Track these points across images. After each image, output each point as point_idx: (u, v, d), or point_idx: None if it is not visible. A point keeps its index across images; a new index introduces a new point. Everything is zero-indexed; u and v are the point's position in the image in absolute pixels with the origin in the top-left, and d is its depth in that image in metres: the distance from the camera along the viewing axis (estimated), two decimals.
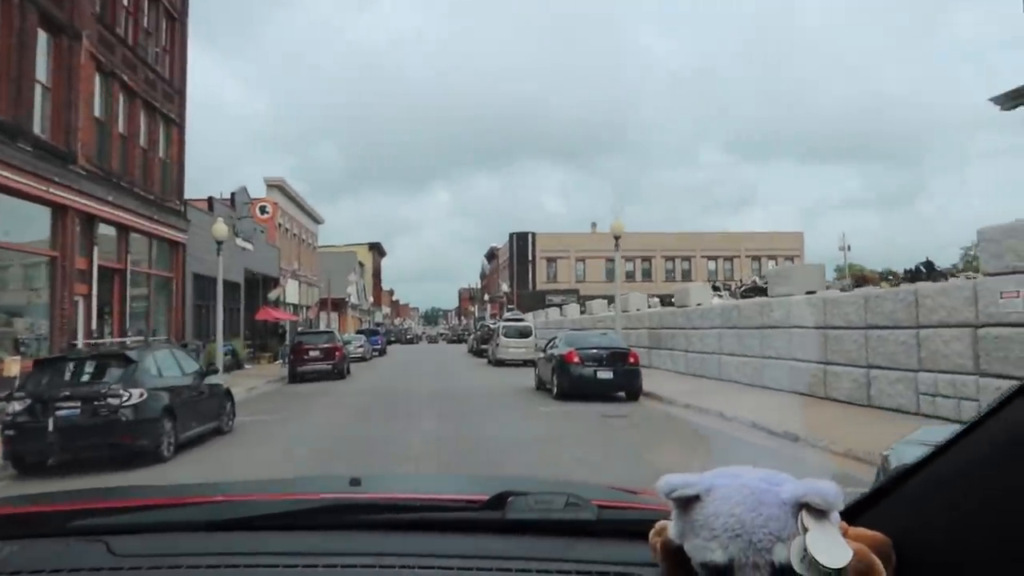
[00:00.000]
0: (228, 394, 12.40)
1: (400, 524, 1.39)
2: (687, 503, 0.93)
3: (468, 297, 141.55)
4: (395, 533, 1.36)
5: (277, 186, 42.72)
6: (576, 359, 16.32)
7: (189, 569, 1.20)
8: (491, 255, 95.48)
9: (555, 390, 16.80)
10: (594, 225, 78.82)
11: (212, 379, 12.09)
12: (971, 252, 59.52)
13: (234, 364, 28.32)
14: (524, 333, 31.28)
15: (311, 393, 20.54)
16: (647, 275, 75.52)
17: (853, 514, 0.94)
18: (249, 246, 33.38)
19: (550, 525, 1.36)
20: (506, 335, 31.12)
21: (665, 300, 37.63)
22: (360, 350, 38.31)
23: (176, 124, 25.22)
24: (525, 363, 30.31)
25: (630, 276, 75.06)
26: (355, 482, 1.73)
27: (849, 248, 68.94)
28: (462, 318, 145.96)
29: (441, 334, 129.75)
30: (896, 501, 0.92)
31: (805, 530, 0.85)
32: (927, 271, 17.40)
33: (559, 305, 60.05)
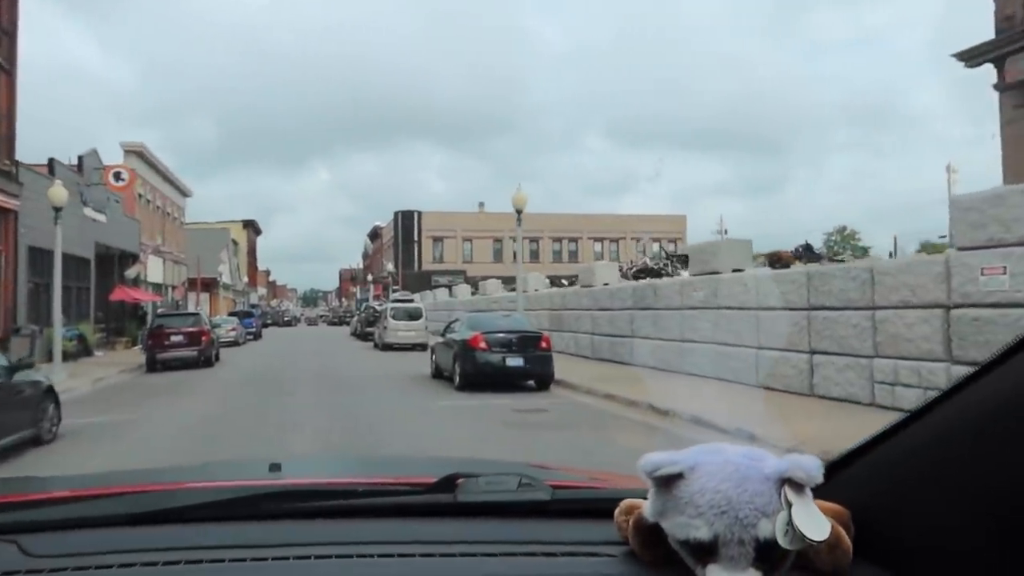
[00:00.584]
0: (50, 393, 9.73)
1: (347, 511, 1.31)
2: (668, 481, 0.90)
3: (350, 278, 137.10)
4: (341, 520, 1.28)
5: (136, 152, 38.37)
6: (482, 344, 14.42)
7: (120, 568, 1.10)
8: (374, 234, 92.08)
9: (457, 379, 14.86)
10: (481, 205, 77.21)
11: (27, 375, 9.41)
12: (833, 237, 62.39)
13: (82, 351, 24.73)
14: (414, 315, 29.13)
15: (170, 384, 17.70)
16: (535, 256, 74.52)
17: (830, 474, 0.94)
18: (101, 217, 29.46)
19: (504, 507, 1.31)
20: (395, 317, 28.87)
21: (555, 281, 36.68)
22: (232, 334, 35.00)
23: (4, 70, 21.38)
24: (414, 347, 28.26)
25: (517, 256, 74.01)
26: (275, 467, 1.66)
27: (726, 232, 70.65)
28: (343, 300, 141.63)
29: (321, 316, 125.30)
30: (853, 475, 0.94)
31: (788, 505, 0.86)
32: (806, 253, 16.95)
33: (446, 286, 58.16)
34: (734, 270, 14.37)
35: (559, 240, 75.07)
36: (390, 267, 57.30)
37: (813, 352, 11.47)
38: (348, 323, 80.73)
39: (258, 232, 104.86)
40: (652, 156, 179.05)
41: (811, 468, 0.87)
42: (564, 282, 34.53)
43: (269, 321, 74.86)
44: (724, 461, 0.90)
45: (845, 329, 10.69)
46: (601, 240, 76.23)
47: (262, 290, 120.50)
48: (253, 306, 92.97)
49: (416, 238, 71.50)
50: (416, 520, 1.29)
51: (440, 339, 17.32)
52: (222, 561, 1.11)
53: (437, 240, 72.52)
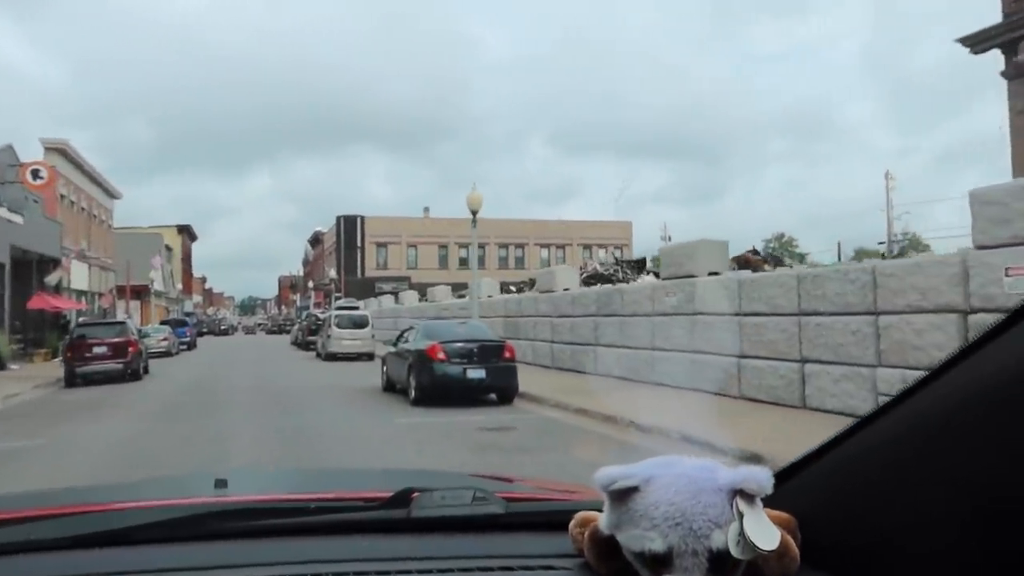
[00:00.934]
0: None
1: (298, 528, 1.28)
2: (623, 494, 0.92)
3: (289, 285, 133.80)
4: (291, 538, 1.26)
5: (59, 150, 35.92)
6: (440, 355, 13.21)
7: None
8: (315, 240, 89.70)
9: (413, 393, 13.62)
10: (426, 210, 75.81)
11: None
12: (771, 244, 63.01)
13: None
14: (360, 323, 27.68)
15: (92, 401, 15.98)
16: (481, 262, 73.22)
17: (778, 483, 0.95)
18: (17, 218, 27.23)
19: (459, 522, 1.30)
20: (339, 326, 27.37)
21: (504, 287, 35.69)
22: (164, 344, 32.92)
23: None
24: (360, 356, 26.85)
25: (464, 263, 72.75)
26: (221, 483, 1.61)
27: (670, 238, 70.91)
28: (282, 307, 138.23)
29: (259, 324, 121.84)
30: (801, 483, 0.95)
31: (740, 515, 0.87)
32: (771, 258, 16.86)
33: (391, 293, 56.63)
34: (710, 273, 13.53)
35: (505, 246, 74.17)
36: (332, 273, 55.39)
37: (805, 361, 10.66)
38: (288, 331, 78.24)
39: (193, 238, 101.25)
40: (594, 163, 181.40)
41: (762, 479, 0.88)
42: (513, 288, 33.71)
43: (205, 330, 71.97)
44: (678, 474, 0.91)
45: (843, 336, 9.91)
46: (548, 246, 75.60)
47: (197, 298, 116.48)
48: (188, 314, 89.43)
49: (359, 244, 69.65)
50: (370, 536, 1.27)
51: (392, 349, 16.05)
52: None
53: (381, 246, 70.80)
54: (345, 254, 68.60)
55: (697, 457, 0.97)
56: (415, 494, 1.31)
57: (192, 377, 22.09)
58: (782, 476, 0.99)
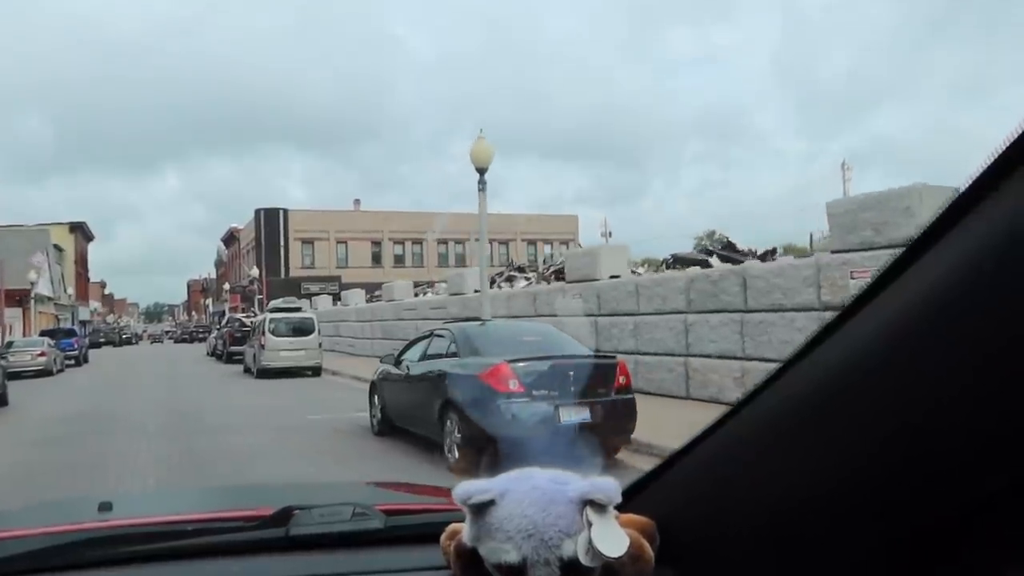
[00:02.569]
0: None
1: (176, 552, 1.26)
2: (481, 508, 0.95)
3: (200, 289, 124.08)
4: (169, 562, 1.24)
5: None
6: (513, 383, 7.31)
7: None
8: (230, 238, 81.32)
9: (454, 450, 7.70)
10: (357, 202, 69.01)
11: None
12: (703, 242, 59.76)
13: None
14: (303, 329, 21.40)
15: None
16: (418, 260, 67.27)
17: (625, 501, 0.97)
18: None
19: (338, 538, 1.30)
20: (276, 333, 21.01)
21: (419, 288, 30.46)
22: (40, 360, 25.71)
23: None
24: (302, 371, 20.63)
25: (399, 260, 66.44)
26: (105, 506, 1.55)
27: (611, 234, 66.46)
28: (193, 313, 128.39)
29: (167, 332, 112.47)
30: (662, 485, 0.97)
31: (589, 524, 0.90)
32: (674, 262, 16.86)
33: (326, 294, 49.91)
34: (611, 276, 14.00)
35: (445, 242, 68.07)
36: (255, 272, 48.17)
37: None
38: (201, 339, 69.89)
39: (89, 237, 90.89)
40: (518, 164, 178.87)
41: (609, 489, 0.91)
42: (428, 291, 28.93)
43: (102, 340, 63.31)
44: (532, 487, 0.93)
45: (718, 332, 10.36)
46: (491, 241, 69.81)
47: (96, 304, 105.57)
48: (83, 323, 79.78)
49: (282, 240, 62.28)
50: (248, 558, 1.25)
51: (393, 371, 9.97)
52: None
53: (307, 243, 63.63)
54: (266, 252, 61.05)
55: (551, 470, 0.98)
56: (295, 512, 1.29)
57: (72, 407, 15.33)
58: (647, 478, 0.99)
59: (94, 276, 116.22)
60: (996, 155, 0.52)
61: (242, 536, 1.29)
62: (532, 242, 70.61)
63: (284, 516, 1.29)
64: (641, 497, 1.01)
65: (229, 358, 28.82)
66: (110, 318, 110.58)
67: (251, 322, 29.72)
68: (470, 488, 0.95)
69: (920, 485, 0.61)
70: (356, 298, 30.23)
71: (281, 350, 20.76)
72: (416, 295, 36.57)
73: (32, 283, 39.61)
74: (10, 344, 27.17)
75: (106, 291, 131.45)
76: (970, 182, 0.53)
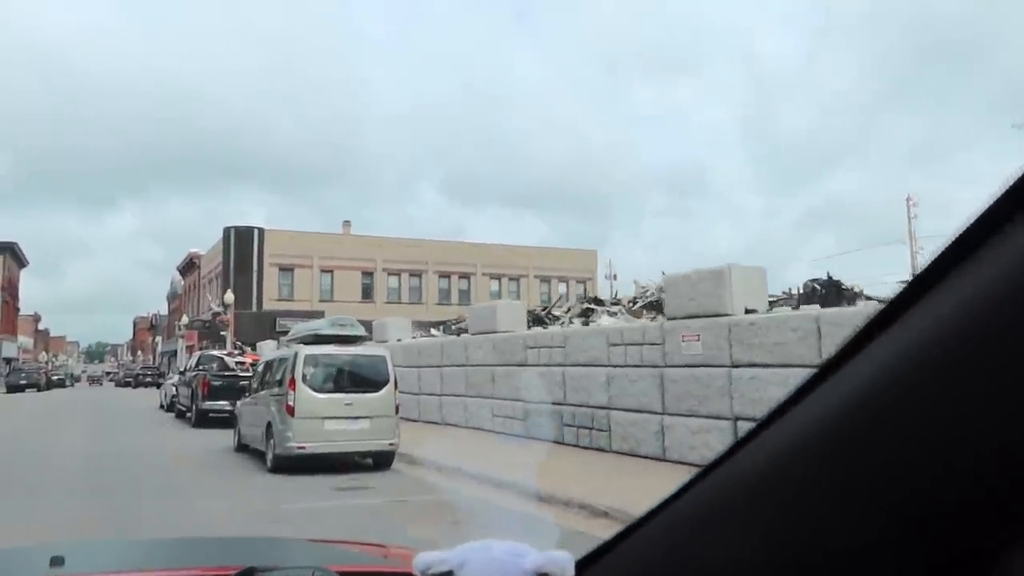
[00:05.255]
0: None
1: None
2: None
3: (147, 327, 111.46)
4: None
5: None
6: None
7: None
8: (189, 266, 69.90)
9: None
10: (347, 224, 58.59)
11: None
12: (662, 292, 52.20)
13: None
14: (370, 379, 11.01)
15: None
16: (416, 295, 56.99)
17: (581, 571, 0.98)
18: None
19: None
20: (315, 384, 10.67)
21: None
22: None
23: None
24: (365, 461, 10.41)
25: (394, 295, 56.07)
26: (57, 561, 1.50)
27: (616, 277, 57.42)
28: (138, 353, 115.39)
29: (108, 374, 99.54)
30: (617, 557, 0.97)
31: None
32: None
33: (284, 334, 39.79)
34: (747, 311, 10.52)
35: (447, 276, 58.05)
36: (228, 298, 37.28)
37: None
38: (147, 384, 57.89)
39: (22, 263, 78.68)
40: (482, 212, 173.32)
41: (563, 562, 0.94)
42: (435, 331, 23.40)
43: (23, 381, 51.24)
44: (490, 559, 0.96)
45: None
46: (499, 277, 60.15)
47: (26, 340, 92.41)
48: (8, 360, 67.28)
49: (255, 266, 51.49)
50: None
51: None
52: None
53: (285, 270, 52.99)
54: (235, 279, 50.03)
55: (509, 542, 0.99)
56: (257, 572, 1.30)
57: None
58: (600, 552, 1.00)
59: (30, 310, 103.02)
60: (990, 205, 0.50)
61: None
62: (546, 279, 61.06)
63: None
64: (595, 569, 0.99)
65: (201, 418, 18.18)
66: (42, 356, 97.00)
67: (236, 363, 19.15)
68: (428, 559, 0.98)
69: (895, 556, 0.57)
70: (397, 331, 19.89)
71: (326, 417, 10.40)
72: (454, 331, 26.75)
73: None
74: None
75: (40, 326, 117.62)
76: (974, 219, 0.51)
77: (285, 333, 41.55)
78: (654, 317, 20.91)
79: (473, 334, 15.38)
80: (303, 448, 10.29)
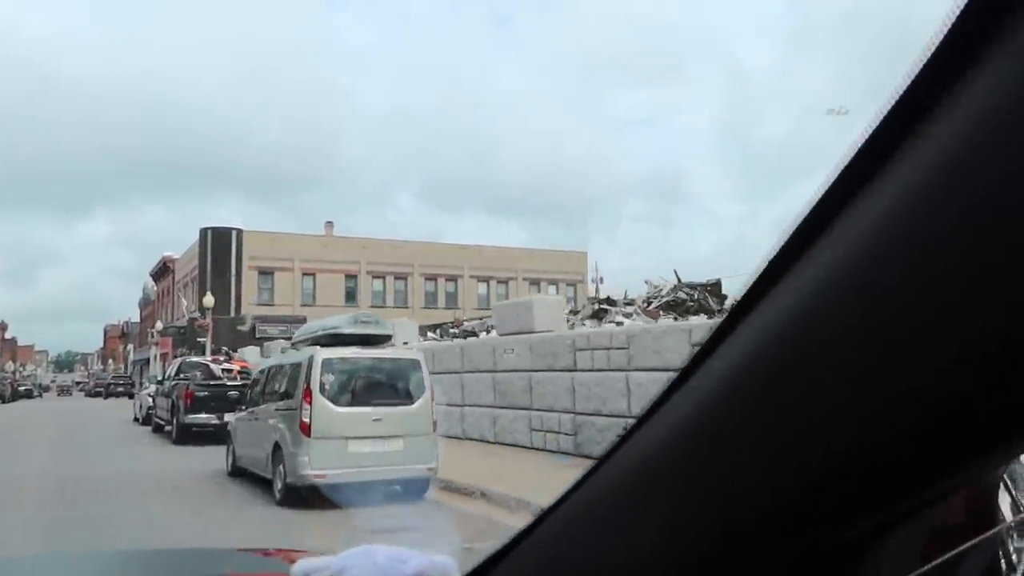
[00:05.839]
0: None
1: None
2: None
3: (119, 335, 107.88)
4: None
5: None
6: None
7: None
8: (163, 270, 67.06)
9: None
10: (330, 225, 56.23)
11: None
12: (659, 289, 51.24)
13: None
14: (401, 389, 8.99)
15: None
16: (401, 299, 54.80)
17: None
18: None
19: None
20: (336, 396, 8.63)
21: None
22: None
23: None
24: (385, 484, 8.31)
25: (379, 298, 53.78)
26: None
27: (602, 280, 56.11)
28: (109, 362, 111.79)
29: (78, 383, 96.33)
30: (515, 560, 0.93)
31: None
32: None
33: (270, 339, 38.03)
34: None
35: (434, 278, 55.97)
36: (207, 300, 34.85)
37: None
38: (119, 394, 55.11)
39: None
40: (462, 217, 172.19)
41: (446, 567, 0.93)
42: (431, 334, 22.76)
43: None
44: (371, 563, 0.94)
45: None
46: (487, 280, 58.22)
47: None
48: None
49: (234, 269, 49.02)
50: None
51: None
52: None
53: (265, 273, 50.56)
54: (212, 283, 47.46)
55: (394, 547, 0.97)
56: None
57: None
58: (495, 558, 0.94)
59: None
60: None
61: None
62: (535, 282, 59.16)
63: None
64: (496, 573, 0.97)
65: (184, 434, 15.97)
66: (8, 366, 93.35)
67: (223, 370, 16.97)
68: (307, 566, 0.97)
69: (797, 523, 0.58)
70: (403, 334, 17.83)
71: (349, 437, 8.35)
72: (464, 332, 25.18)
73: None
74: None
75: (7, 335, 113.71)
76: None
77: (265, 339, 39.43)
78: (676, 317, 19.04)
79: (502, 335, 13.41)
80: (322, 476, 8.23)
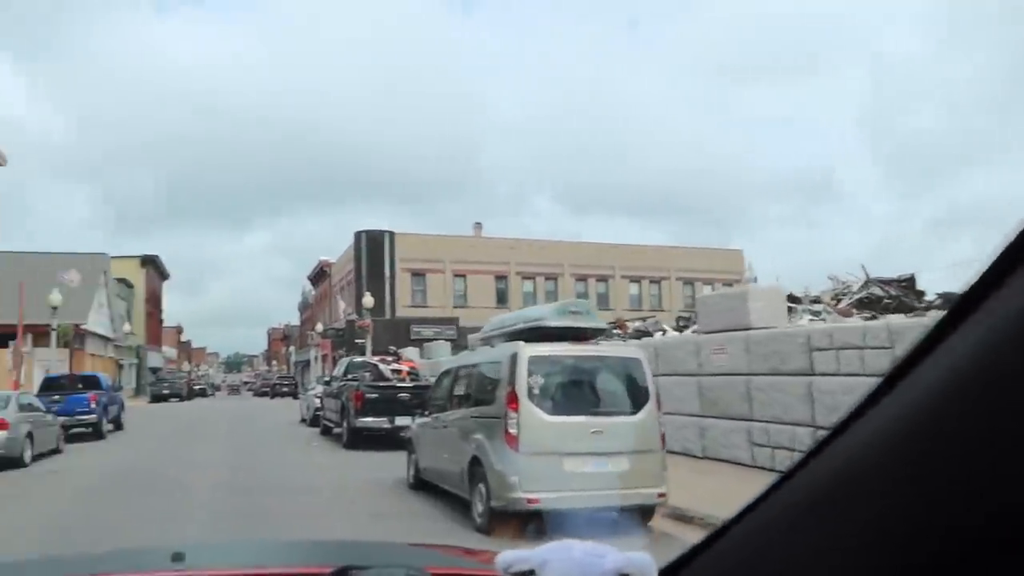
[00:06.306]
0: None
1: None
2: None
3: (280, 337, 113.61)
4: None
5: None
6: None
7: None
8: (320, 274, 69.42)
9: None
10: (478, 225, 56.04)
11: None
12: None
13: None
14: (624, 396, 7.46)
15: None
16: (552, 299, 53.47)
17: (672, 573, 0.97)
18: None
19: None
20: (546, 402, 7.18)
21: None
22: None
23: None
24: (614, 519, 6.56)
25: (529, 299, 52.80)
26: (178, 557, 1.60)
27: (756, 280, 52.17)
28: (273, 363, 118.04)
29: (246, 383, 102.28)
30: (710, 557, 0.95)
31: None
32: None
33: (427, 341, 37.62)
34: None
35: (583, 279, 54.28)
36: (367, 300, 34.90)
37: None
38: (284, 394, 57.05)
39: (164, 275, 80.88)
40: (599, 221, 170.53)
41: (644, 564, 0.93)
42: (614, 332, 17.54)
43: (166, 391, 51.29)
44: (569, 558, 0.95)
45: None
46: (639, 280, 55.97)
47: (170, 350, 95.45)
48: (154, 369, 68.70)
49: (387, 271, 49.48)
50: None
51: None
52: None
53: (417, 275, 50.76)
54: (368, 284, 48.17)
55: (589, 542, 0.98)
56: (351, 572, 1.33)
57: None
58: (694, 552, 0.96)
59: (173, 322, 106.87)
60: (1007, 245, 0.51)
61: None
62: (689, 282, 56.38)
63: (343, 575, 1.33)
64: (687, 571, 0.96)
65: (354, 438, 15.18)
66: (186, 366, 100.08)
67: (392, 371, 16.09)
68: (511, 557, 0.98)
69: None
70: (442, 350, 16.16)
71: (565, 453, 6.88)
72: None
73: (54, 308, 27.21)
74: None
75: (183, 338, 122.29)
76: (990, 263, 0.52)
77: (421, 341, 39.18)
78: (872, 316, 16.48)
79: (706, 333, 11.58)
80: (535, 500, 6.77)
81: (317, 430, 20.02)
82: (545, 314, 7.97)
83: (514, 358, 7.28)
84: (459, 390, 8.87)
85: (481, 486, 7.39)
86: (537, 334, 7.79)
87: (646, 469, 7.13)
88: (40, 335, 32.03)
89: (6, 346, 30.05)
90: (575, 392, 7.29)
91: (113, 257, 58.59)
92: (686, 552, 0.95)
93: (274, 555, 2.07)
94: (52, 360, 31.51)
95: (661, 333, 22.16)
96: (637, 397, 7.39)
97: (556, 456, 6.96)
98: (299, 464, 13.45)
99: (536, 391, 7.11)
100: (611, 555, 0.95)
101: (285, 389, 57.36)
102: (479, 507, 7.40)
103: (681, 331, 20.71)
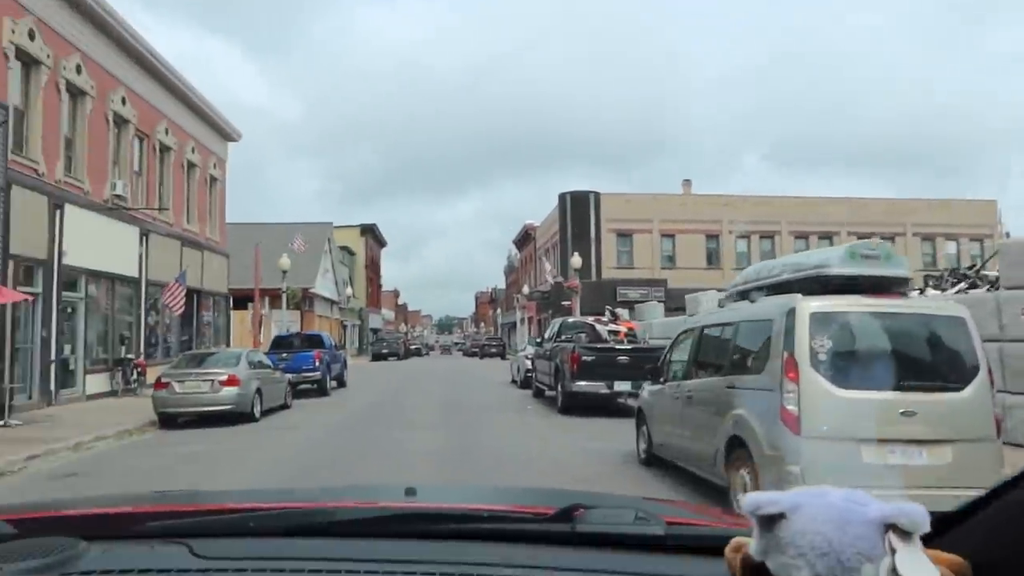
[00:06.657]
0: None
1: (471, 534, 1.38)
2: (771, 521, 0.92)
3: (488, 300, 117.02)
4: (465, 542, 1.35)
5: None
6: None
7: (273, 573, 1.21)
8: (524, 238, 69.85)
9: None
10: (687, 183, 53.20)
11: None
12: None
13: None
14: (943, 366, 5.72)
15: None
16: (770, 259, 49.84)
17: (932, 535, 0.90)
18: None
19: (619, 539, 1.33)
20: (841, 377, 5.57)
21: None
22: (225, 395, 13.03)
23: None
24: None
25: (743, 259, 49.46)
26: (410, 492, 1.73)
27: (1008, 235, 45.63)
28: (480, 325, 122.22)
29: (456, 343, 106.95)
30: (978, 523, 0.90)
31: (892, 551, 0.85)
32: None
33: (636, 303, 35.86)
34: None
35: (804, 236, 49.83)
36: (575, 261, 34.03)
37: None
38: (491, 354, 58.25)
39: (381, 243, 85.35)
40: (813, 174, 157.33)
41: (916, 515, 0.84)
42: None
43: (385, 351, 53.95)
44: (826, 504, 0.89)
45: None
46: (868, 235, 50.18)
47: (388, 312, 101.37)
48: (375, 331, 73.43)
49: (592, 232, 48.29)
50: (535, 547, 1.32)
51: None
52: (358, 573, 1.19)
53: (623, 235, 49.12)
54: (572, 246, 47.33)
55: (846, 489, 0.91)
56: (580, 511, 1.34)
57: None
58: (960, 515, 0.90)
59: (390, 286, 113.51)
60: None
61: (531, 527, 1.37)
62: (929, 237, 50.21)
63: (570, 513, 1.33)
64: (954, 533, 0.91)
65: (571, 402, 14.21)
66: (402, 328, 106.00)
67: (609, 332, 14.89)
68: (759, 499, 0.91)
69: None
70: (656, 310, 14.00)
71: (865, 440, 5.28)
72: None
73: (284, 271, 28.84)
74: (186, 360, 14.83)
75: (399, 301, 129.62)
76: None
77: (628, 303, 37.65)
78: None
79: (1010, 288, 9.20)
80: None
81: (529, 392, 19.38)
82: (830, 259, 6.24)
83: (791, 314, 5.70)
84: (706, 355, 7.42)
85: (744, 473, 5.93)
86: (817, 284, 6.12)
87: (977, 463, 5.32)
88: (274, 298, 34.37)
89: (246, 308, 32.71)
90: (875, 360, 5.56)
91: (336, 227, 62.28)
92: (962, 506, 0.85)
93: (500, 496, 2.07)
94: (285, 320, 33.66)
95: (918, 292, 19.15)
96: (961, 368, 5.55)
97: (851, 443, 5.33)
98: (516, 432, 12.66)
99: (822, 357, 5.50)
100: (874, 504, 0.87)
101: (493, 350, 58.46)
102: (742, 499, 5.99)
103: (925, 292, 17.80)
